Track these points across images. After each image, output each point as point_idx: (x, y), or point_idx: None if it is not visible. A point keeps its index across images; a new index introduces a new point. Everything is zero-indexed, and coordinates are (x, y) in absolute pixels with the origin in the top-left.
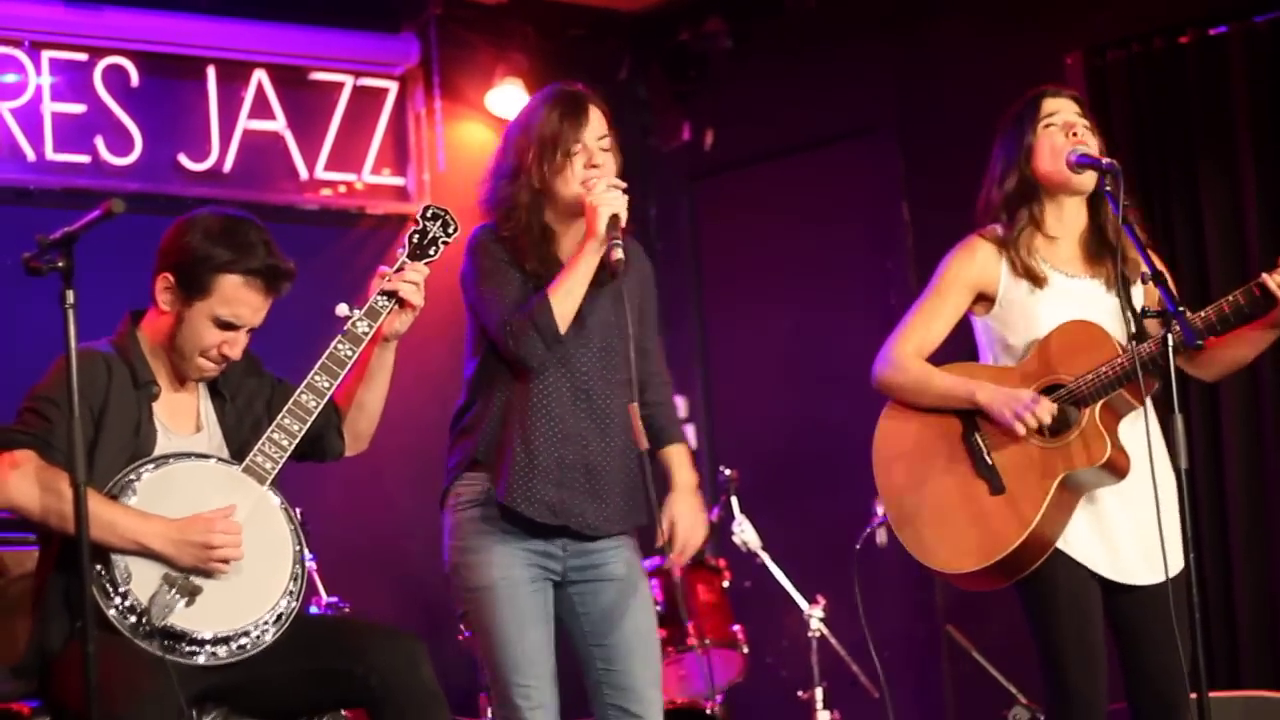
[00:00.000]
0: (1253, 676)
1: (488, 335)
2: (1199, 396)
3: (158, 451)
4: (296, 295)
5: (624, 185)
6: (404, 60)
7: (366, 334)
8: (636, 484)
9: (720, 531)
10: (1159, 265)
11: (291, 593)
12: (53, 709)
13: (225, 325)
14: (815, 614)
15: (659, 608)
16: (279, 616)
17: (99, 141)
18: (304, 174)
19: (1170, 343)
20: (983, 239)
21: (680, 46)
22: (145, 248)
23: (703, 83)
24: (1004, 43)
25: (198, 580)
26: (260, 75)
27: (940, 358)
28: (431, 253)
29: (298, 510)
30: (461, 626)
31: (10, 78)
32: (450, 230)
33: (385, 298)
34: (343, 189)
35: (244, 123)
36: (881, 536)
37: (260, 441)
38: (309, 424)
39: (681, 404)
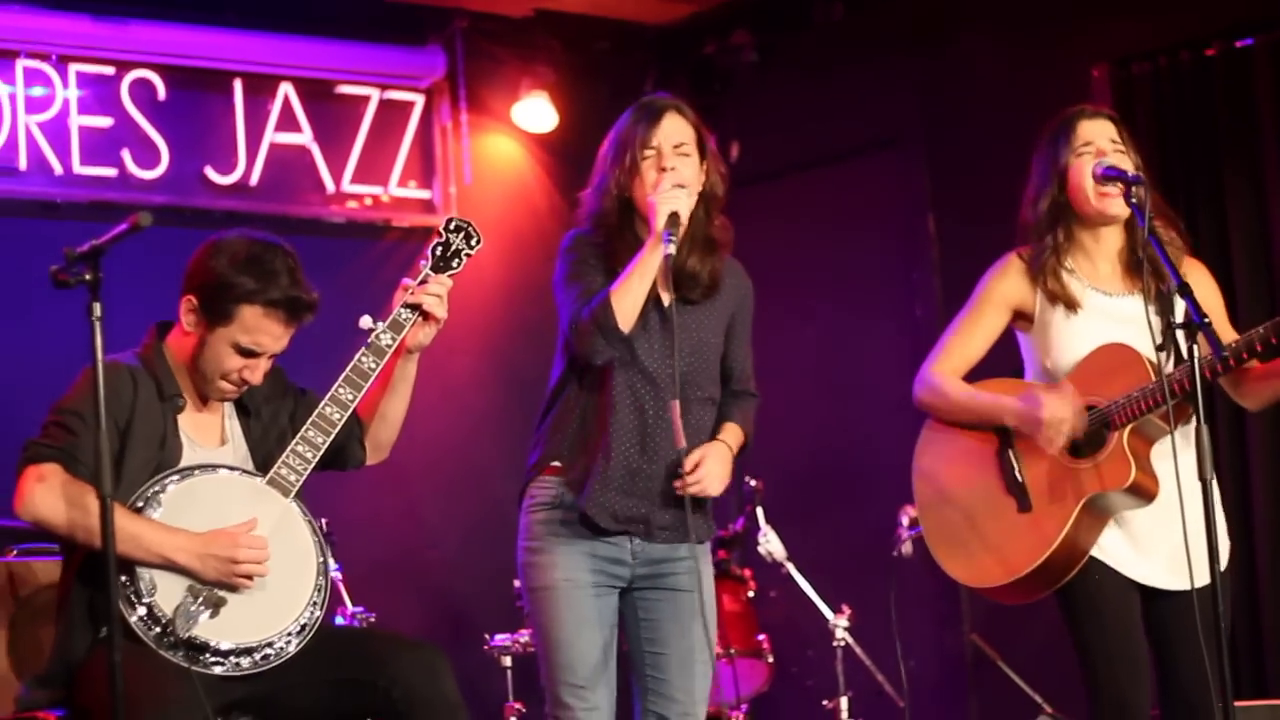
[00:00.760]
0: (1279, 685)
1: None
2: (1225, 407)
3: (183, 464)
4: (322, 307)
5: (688, 185)
6: (430, 73)
7: (390, 346)
8: (708, 500)
9: (745, 541)
10: (1198, 275)
11: (315, 604)
12: (77, 717)
13: (246, 353)
14: (840, 624)
15: None
16: (302, 628)
17: (126, 155)
18: (330, 187)
19: (1196, 354)
20: (1019, 258)
21: (706, 59)
22: (172, 261)
23: (728, 95)
24: (1030, 55)
25: (222, 592)
26: (287, 88)
27: (987, 373)
28: (454, 265)
29: (323, 521)
30: (489, 640)
31: (38, 91)
32: (473, 242)
33: (408, 310)
34: (369, 202)
35: (270, 136)
36: (907, 547)
37: (284, 454)
38: (333, 436)
39: None
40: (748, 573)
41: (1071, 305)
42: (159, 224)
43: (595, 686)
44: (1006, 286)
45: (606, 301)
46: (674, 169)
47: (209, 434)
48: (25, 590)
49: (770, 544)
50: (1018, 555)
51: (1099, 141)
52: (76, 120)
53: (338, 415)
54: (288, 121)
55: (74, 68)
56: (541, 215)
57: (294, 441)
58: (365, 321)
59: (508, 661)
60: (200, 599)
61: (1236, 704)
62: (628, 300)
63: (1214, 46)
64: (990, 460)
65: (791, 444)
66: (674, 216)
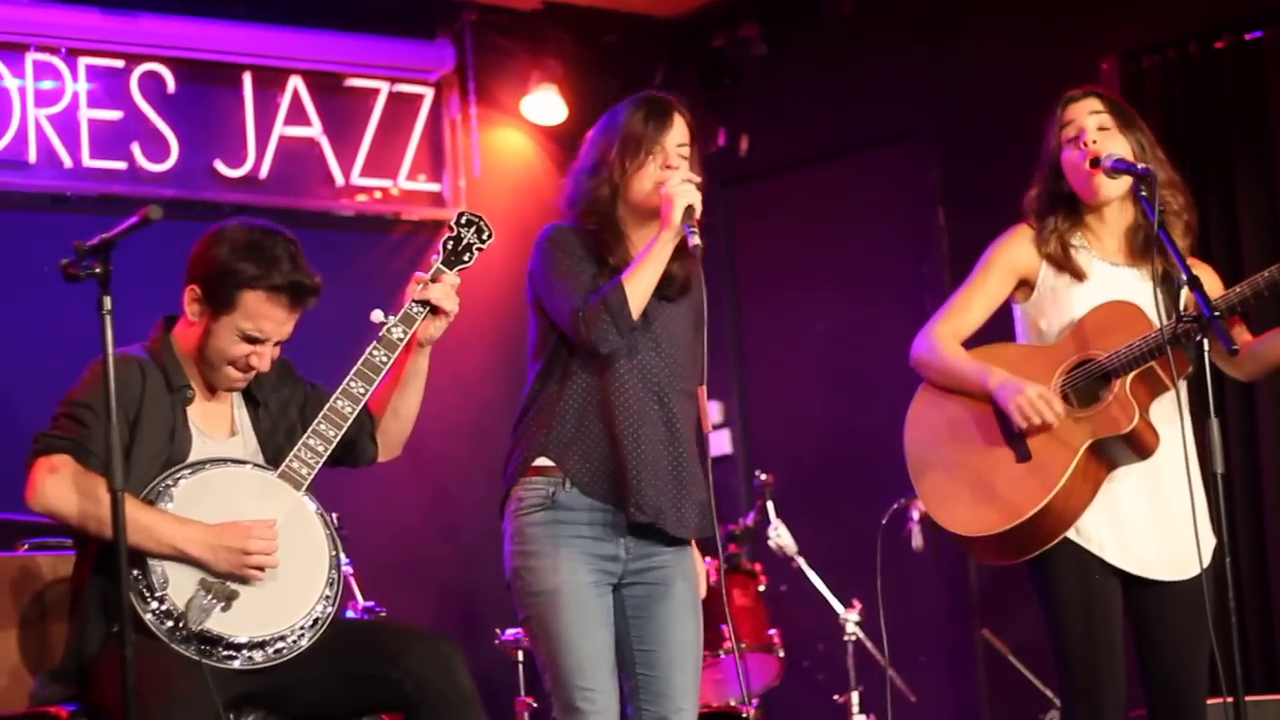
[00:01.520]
0: None
1: (558, 328)
2: (1235, 400)
3: (193, 456)
4: (332, 301)
5: (699, 180)
6: (439, 66)
7: (401, 340)
8: (706, 494)
9: (756, 535)
10: (1201, 272)
11: (328, 597)
12: (91, 712)
13: (250, 339)
14: (851, 618)
15: None
16: (315, 621)
17: (135, 148)
18: (340, 180)
19: (1205, 347)
20: (1029, 226)
21: (715, 52)
22: (181, 254)
23: (738, 88)
24: (1039, 48)
25: (234, 585)
26: (296, 82)
27: (981, 342)
28: (466, 259)
29: (334, 515)
30: (500, 634)
31: (47, 84)
32: (485, 236)
33: (419, 304)
34: (378, 195)
35: (280, 129)
36: (918, 540)
37: (296, 447)
38: (344, 430)
39: (717, 409)
40: (758, 567)
41: (1078, 275)
42: (168, 217)
43: (603, 689)
44: (1014, 253)
45: (620, 288)
46: (679, 169)
47: (218, 425)
48: (37, 585)
49: (781, 538)
50: (1020, 499)
51: (1080, 119)
52: (86, 113)
53: (349, 409)
54: (297, 114)
55: (83, 61)
56: (551, 208)
57: (306, 435)
58: (377, 315)
59: (520, 656)
60: (212, 593)
61: (1248, 698)
62: (640, 288)
63: (1223, 39)
64: (985, 415)
65: (802, 438)
66: (689, 209)
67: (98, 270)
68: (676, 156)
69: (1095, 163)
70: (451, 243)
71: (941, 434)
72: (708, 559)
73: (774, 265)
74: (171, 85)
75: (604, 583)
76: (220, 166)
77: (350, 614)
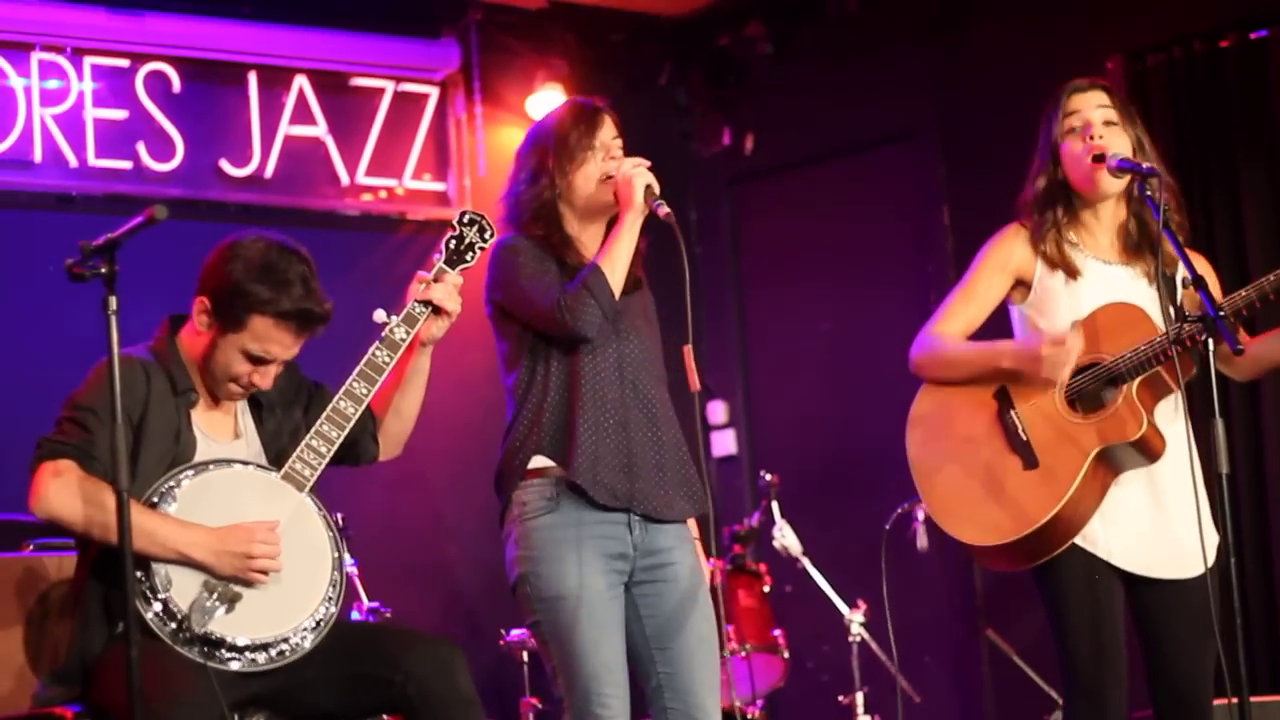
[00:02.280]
0: None
1: (534, 328)
2: (1240, 401)
3: (197, 458)
4: (337, 300)
5: (649, 163)
6: (445, 66)
7: (404, 340)
8: (691, 477)
9: (761, 536)
10: (1201, 268)
11: (330, 599)
12: (94, 713)
13: (255, 360)
14: (856, 618)
15: None
16: (318, 623)
17: (141, 147)
18: (345, 179)
19: (1210, 347)
20: (1022, 226)
21: (721, 51)
22: (187, 253)
23: (743, 87)
24: (1044, 47)
25: (237, 588)
26: (301, 81)
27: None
28: (468, 258)
29: (338, 516)
30: (510, 637)
31: (53, 84)
32: (487, 235)
33: (422, 304)
34: (384, 194)
35: (285, 128)
36: (922, 540)
37: (299, 448)
38: (347, 430)
39: (722, 408)
40: (763, 567)
41: (1072, 272)
42: (174, 217)
43: (618, 694)
44: (1008, 253)
45: (599, 272)
46: (619, 160)
47: (222, 428)
48: (41, 585)
49: (786, 539)
50: (1029, 509)
51: (1086, 111)
52: (91, 113)
53: (352, 409)
54: (302, 114)
55: (89, 60)
56: None
57: (308, 436)
58: (379, 315)
59: (525, 657)
60: (215, 594)
61: (1253, 699)
62: (618, 270)
63: (1228, 38)
64: (991, 423)
65: (807, 438)
66: (649, 188)
67: (103, 270)
68: (615, 149)
69: (1099, 158)
70: (454, 242)
71: (946, 439)
72: (711, 560)
73: (779, 264)
74: (177, 84)
75: (616, 584)
76: (226, 166)
77: (355, 615)
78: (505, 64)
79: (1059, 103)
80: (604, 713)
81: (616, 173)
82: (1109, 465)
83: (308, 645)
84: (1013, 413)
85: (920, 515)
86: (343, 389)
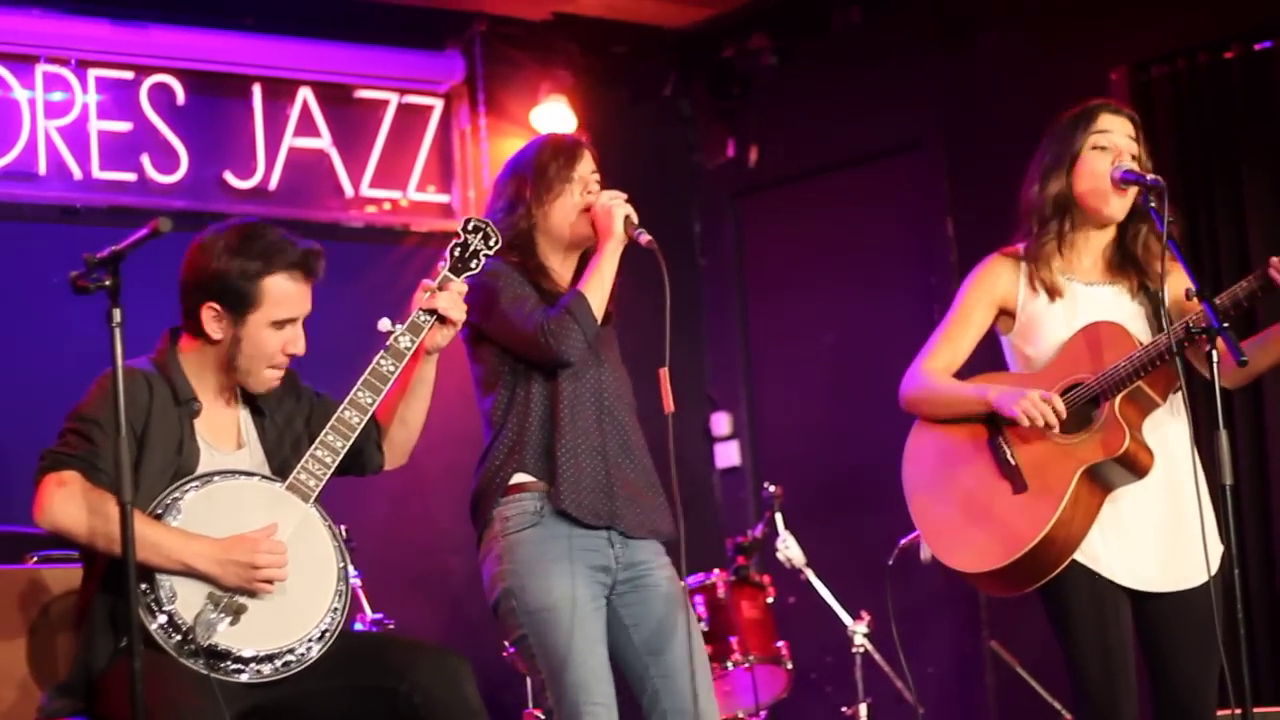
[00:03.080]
0: None
1: (517, 349)
2: (1243, 412)
3: (201, 469)
4: (342, 312)
5: (625, 195)
6: (449, 78)
7: (409, 349)
8: (662, 504)
9: (765, 547)
10: (1182, 283)
11: (336, 610)
12: None
13: (282, 324)
14: (860, 630)
15: (704, 625)
16: (323, 634)
17: (145, 159)
18: (349, 191)
19: (1215, 358)
20: (1002, 256)
21: (725, 63)
22: None
23: (747, 99)
24: (1049, 59)
25: (242, 599)
26: (305, 93)
27: (969, 375)
28: (473, 265)
29: (342, 527)
30: (512, 649)
31: (57, 96)
32: (492, 243)
33: (426, 313)
34: (388, 206)
35: (289, 140)
36: (926, 553)
37: (304, 459)
38: (352, 440)
39: (726, 420)
40: (767, 579)
41: (1053, 292)
42: (178, 229)
43: (607, 703)
44: (991, 284)
45: (582, 298)
46: (596, 195)
47: (225, 437)
48: (45, 597)
49: (789, 550)
50: (1020, 532)
51: (1117, 136)
52: (96, 125)
53: (357, 419)
54: (307, 126)
55: (93, 72)
56: None
57: (313, 446)
58: (384, 324)
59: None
60: (220, 606)
61: (1257, 710)
62: (599, 295)
63: (1233, 49)
64: (980, 450)
65: (811, 449)
66: (628, 219)
67: (107, 282)
68: (593, 184)
69: (1119, 184)
70: (459, 249)
71: (938, 469)
72: (716, 570)
73: (783, 276)
74: (181, 97)
75: (600, 595)
76: (230, 178)
77: (359, 626)
78: (509, 76)
79: (1089, 116)
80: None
81: (596, 203)
82: (1098, 483)
83: (313, 656)
84: (1000, 438)
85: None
86: (348, 398)
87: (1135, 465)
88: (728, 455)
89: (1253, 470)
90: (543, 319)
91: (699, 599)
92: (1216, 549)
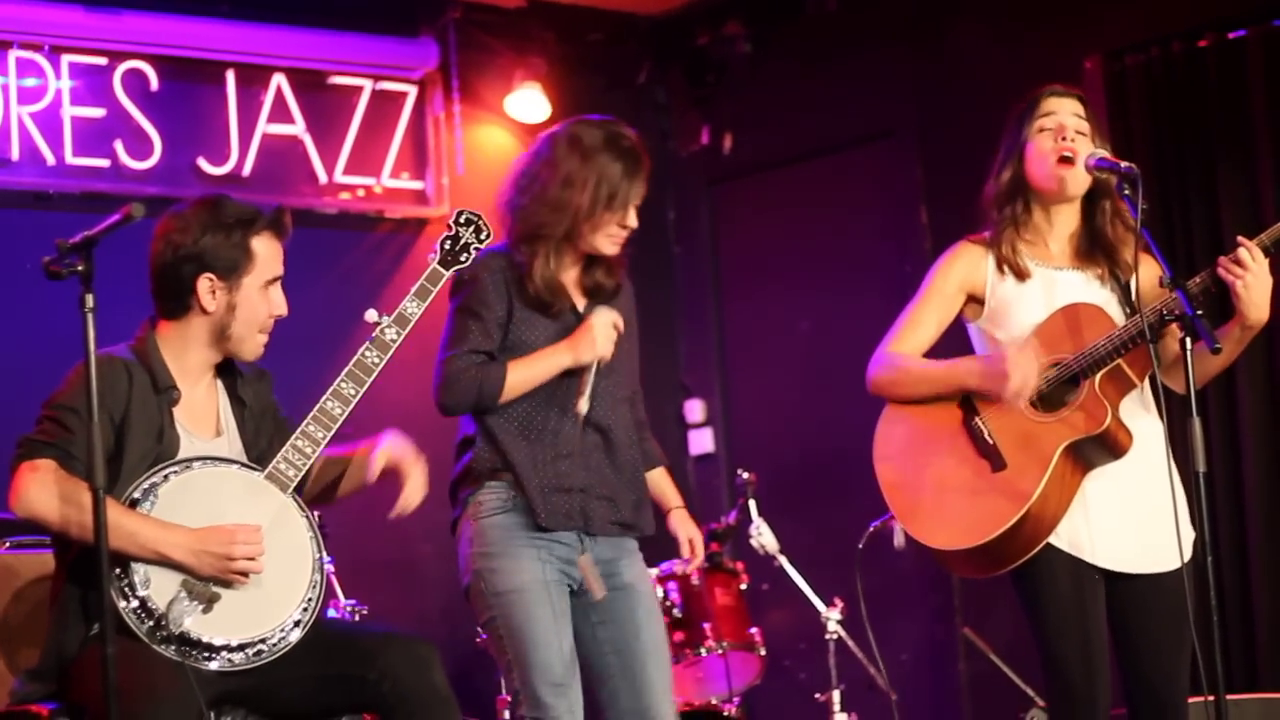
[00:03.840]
0: (1271, 678)
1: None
2: (1217, 399)
3: (181, 455)
4: (316, 298)
5: (621, 328)
6: (423, 64)
7: (395, 341)
8: (643, 498)
9: (738, 534)
10: (1153, 271)
11: (310, 600)
12: (71, 711)
13: (272, 281)
14: (833, 616)
15: (678, 611)
16: (296, 624)
17: (118, 145)
18: (323, 178)
19: (1189, 347)
20: (970, 242)
21: (699, 51)
22: None
23: (722, 87)
24: (1022, 47)
25: (216, 587)
26: (279, 79)
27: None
28: (463, 258)
29: (316, 514)
30: (481, 634)
31: (30, 82)
32: (483, 236)
33: (415, 304)
34: (361, 193)
35: (263, 126)
36: (899, 539)
37: (284, 448)
38: (334, 431)
39: (699, 407)
40: (740, 566)
41: (1021, 275)
42: (152, 215)
43: (571, 684)
44: (958, 270)
45: (502, 376)
46: (632, 226)
47: (204, 424)
48: (18, 583)
49: (763, 537)
50: (1001, 508)
51: (1061, 115)
52: (69, 111)
53: (340, 410)
54: (280, 112)
55: (66, 58)
56: None
57: (294, 436)
58: (371, 315)
59: None
60: (193, 594)
61: (1229, 697)
62: (520, 388)
63: (1206, 38)
64: (956, 431)
65: (784, 436)
66: (599, 362)
67: (80, 268)
68: (633, 217)
69: (1066, 159)
70: (449, 242)
71: (911, 452)
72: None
73: (757, 263)
74: (155, 83)
75: (565, 583)
76: (203, 164)
77: (332, 612)
78: (484, 63)
79: (1034, 103)
80: (559, 703)
81: (593, 319)
82: (1078, 462)
83: (284, 647)
84: (978, 419)
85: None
86: (331, 389)
87: (1115, 444)
88: (701, 442)
89: (1226, 457)
90: (459, 363)
91: (672, 586)
92: (1190, 534)
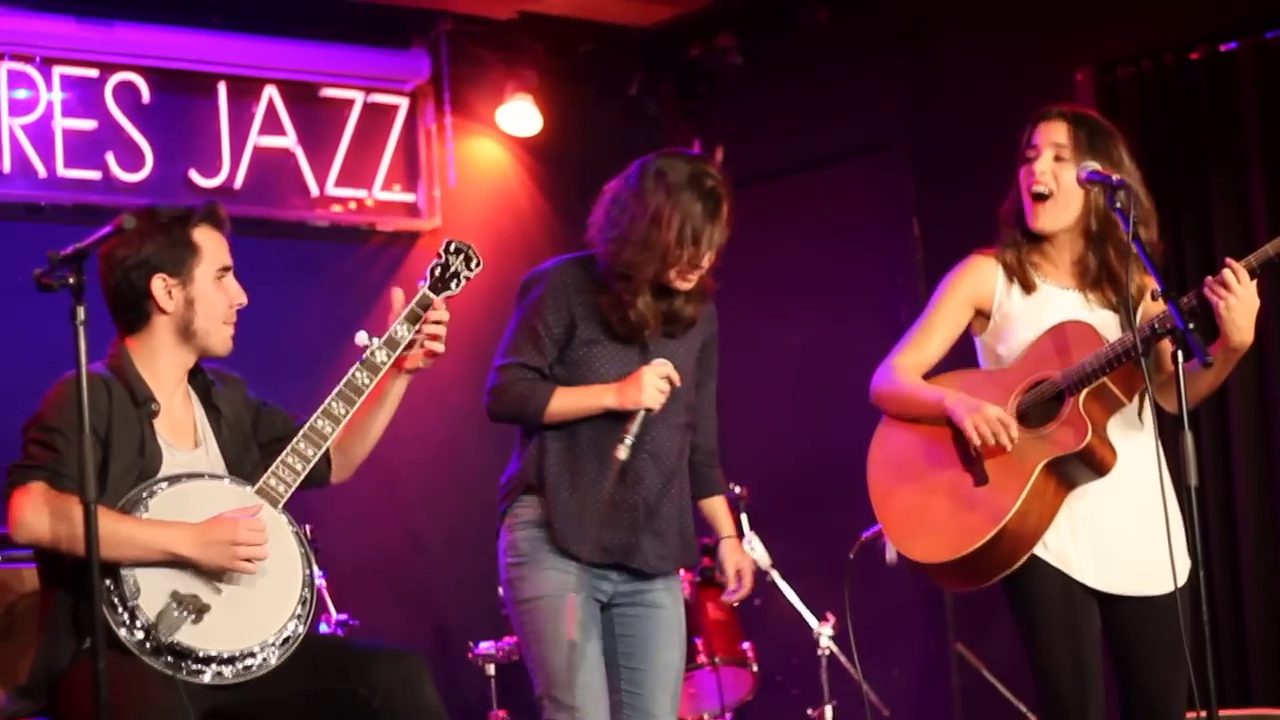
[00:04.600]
0: (1263, 693)
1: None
2: (1209, 414)
3: (164, 469)
4: (306, 310)
5: (678, 381)
6: (414, 76)
7: (384, 363)
8: (689, 525)
9: None
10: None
11: (299, 616)
12: None
13: (224, 270)
14: (825, 632)
15: None
16: (285, 640)
17: (110, 158)
18: (314, 190)
19: (1180, 360)
20: (981, 255)
21: (691, 62)
22: None
23: (713, 99)
24: (1015, 60)
25: (206, 599)
26: (271, 91)
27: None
28: (452, 286)
29: (306, 527)
30: (479, 650)
31: (22, 94)
32: (473, 265)
33: (405, 327)
34: (353, 205)
35: (255, 139)
36: (891, 554)
37: (274, 464)
38: (323, 449)
39: None
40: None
41: (1028, 287)
42: None
43: (595, 688)
44: (970, 282)
45: (547, 398)
46: (701, 268)
47: (183, 436)
48: (9, 597)
49: (755, 551)
50: (978, 524)
51: (1042, 145)
52: (60, 123)
53: (330, 429)
54: (272, 125)
55: (58, 70)
56: (526, 218)
57: (284, 453)
58: (361, 338)
59: (491, 670)
60: (184, 605)
61: (1222, 712)
62: (560, 412)
63: (1198, 50)
64: (944, 442)
65: (776, 450)
66: (647, 412)
67: (71, 280)
68: (706, 258)
69: (1038, 197)
70: (439, 269)
71: (901, 464)
72: (681, 571)
73: (748, 276)
74: (146, 95)
75: (592, 597)
76: (195, 176)
77: (324, 627)
78: (475, 75)
79: (1029, 128)
80: (581, 700)
81: (645, 369)
82: (1060, 479)
83: (274, 662)
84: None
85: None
86: (321, 409)
87: (1097, 462)
88: None
89: (1217, 471)
90: (506, 374)
91: None
92: (1185, 558)
